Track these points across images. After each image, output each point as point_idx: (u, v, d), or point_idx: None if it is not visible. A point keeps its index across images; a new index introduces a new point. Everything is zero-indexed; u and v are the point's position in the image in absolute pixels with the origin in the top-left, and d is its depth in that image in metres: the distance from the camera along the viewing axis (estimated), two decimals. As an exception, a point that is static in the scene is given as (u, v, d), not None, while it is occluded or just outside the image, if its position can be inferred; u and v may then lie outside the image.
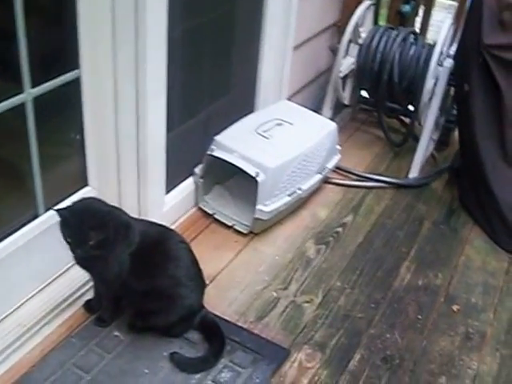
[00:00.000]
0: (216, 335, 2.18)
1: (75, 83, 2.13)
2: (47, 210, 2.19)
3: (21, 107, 1.96)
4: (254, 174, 2.54)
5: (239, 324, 2.30)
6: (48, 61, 2.10)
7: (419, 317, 2.42)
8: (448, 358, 2.27)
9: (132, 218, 2.12)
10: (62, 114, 2.23)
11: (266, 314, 2.35)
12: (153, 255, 2.09)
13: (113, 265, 2.03)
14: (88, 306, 2.27)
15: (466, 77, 2.87)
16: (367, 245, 2.76)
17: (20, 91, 1.94)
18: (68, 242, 1.94)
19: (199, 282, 2.21)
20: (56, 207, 1.96)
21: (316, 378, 2.14)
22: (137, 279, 2.07)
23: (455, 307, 2.49)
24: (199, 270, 2.21)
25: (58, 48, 2.14)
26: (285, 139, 2.74)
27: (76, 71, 2.11)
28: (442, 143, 3.40)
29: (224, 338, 2.17)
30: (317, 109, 3.30)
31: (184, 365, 2.11)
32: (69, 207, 1.97)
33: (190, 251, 2.19)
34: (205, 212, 2.79)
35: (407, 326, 2.37)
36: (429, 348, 2.30)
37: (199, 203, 2.79)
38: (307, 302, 2.43)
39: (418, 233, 2.87)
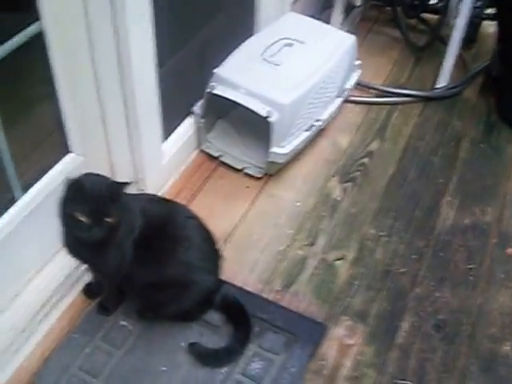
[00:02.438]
0: (240, 315, 1.87)
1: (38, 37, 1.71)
2: (24, 191, 1.82)
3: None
4: (264, 114, 2.14)
5: (264, 296, 1.98)
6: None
7: (470, 266, 2.10)
8: (510, 318, 1.96)
9: (128, 194, 1.74)
10: (27, 74, 1.82)
11: (293, 280, 2.03)
12: (158, 239, 1.73)
13: (114, 255, 1.68)
14: (88, 290, 1.96)
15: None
16: (400, 177, 2.39)
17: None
18: (76, 220, 1.55)
19: (215, 259, 1.88)
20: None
21: (360, 357, 1.85)
22: (142, 269, 1.73)
23: (510, 250, 2.16)
24: (214, 244, 1.87)
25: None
26: (297, 64, 2.31)
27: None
28: (468, 40, 2.91)
29: (249, 319, 1.86)
30: (321, 15, 2.85)
31: (207, 358, 1.82)
32: (73, 179, 1.59)
33: (201, 226, 1.84)
34: (209, 155, 2.41)
35: (458, 280, 2.05)
36: (486, 307, 1.99)
37: (202, 145, 2.41)
38: (339, 258, 2.10)
39: (455, 156, 2.49)
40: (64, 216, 1.59)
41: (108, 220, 1.56)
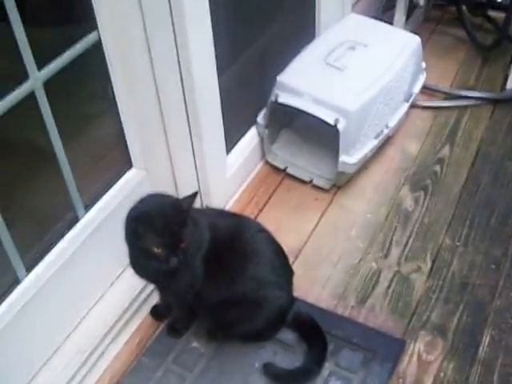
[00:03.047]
0: (315, 333, 1.80)
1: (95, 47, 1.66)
2: (87, 209, 1.78)
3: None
4: (332, 122, 2.06)
5: (339, 312, 1.91)
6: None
7: (550, 275, 1.99)
8: None
9: (194, 208, 1.68)
10: (85, 87, 1.78)
11: (368, 294, 1.95)
12: (227, 255, 1.67)
13: (185, 274, 1.62)
14: (155, 312, 1.91)
15: None
16: (472, 184, 2.28)
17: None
18: (151, 253, 1.51)
19: (287, 275, 1.81)
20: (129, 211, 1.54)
21: (441, 374, 1.76)
22: (212, 287, 1.67)
23: None
24: (285, 259, 1.81)
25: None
26: (362, 68, 2.23)
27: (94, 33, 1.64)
28: None
29: (325, 336, 1.78)
30: (383, 16, 2.76)
31: (282, 378, 1.76)
32: (137, 209, 1.55)
33: (271, 239, 1.78)
34: (275, 167, 2.34)
35: (539, 290, 1.95)
36: None
37: (267, 157, 2.34)
38: (415, 270, 2.01)
39: (530, 160, 2.38)
40: (137, 250, 1.56)
41: (183, 245, 1.51)
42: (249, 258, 1.70)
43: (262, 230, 1.78)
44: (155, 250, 1.49)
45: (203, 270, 1.64)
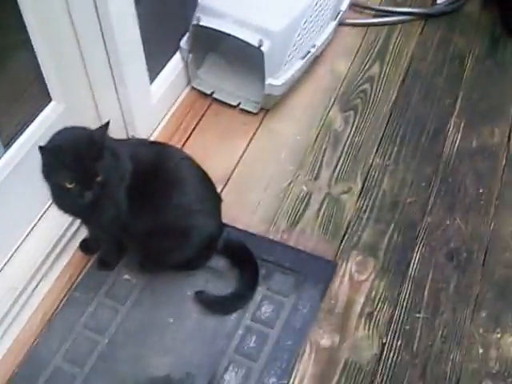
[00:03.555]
0: (246, 258, 1.80)
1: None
2: (6, 148, 1.71)
3: None
4: (256, 44, 2.00)
5: (270, 237, 1.90)
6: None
7: (480, 190, 2.00)
8: (524, 241, 1.89)
9: (115, 139, 1.63)
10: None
11: (299, 218, 1.94)
12: (151, 185, 1.63)
13: (108, 206, 1.58)
14: (85, 246, 1.88)
15: None
16: (403, 101, 2.27)
17: None
18: (65, 188, 1.45)
19: (214, 201, 1.78)
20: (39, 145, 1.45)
21: (373, 293, 1.78)
22: (138, 218, 1.63)
23: (521, 171, 2.06)
24: (212, 186, 1.77)
25: None
26: (287, -14, 2.15)
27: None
28: None
29: (256, 262, 1.78)
30: None
31: (215, 305, 1.75)
32: (50, 142, 1.48)
33: (196, 167, 1.73)
34: (201, 92, 2.28)
35: (468, 206, 1.97)
36: (499, 231, 1.91)
37: (192, 82, 2.27)
38: (345, 192, 2.01)
39: (460, 75, 2.35)
40: (50, 185, 1.50)
41: (98, 179, 1.46)
42: (173, 186, 1.66)
43: (186, 158, 1.73)
44: (67, 184, 1.44)
45: (127, 202, 1.60)
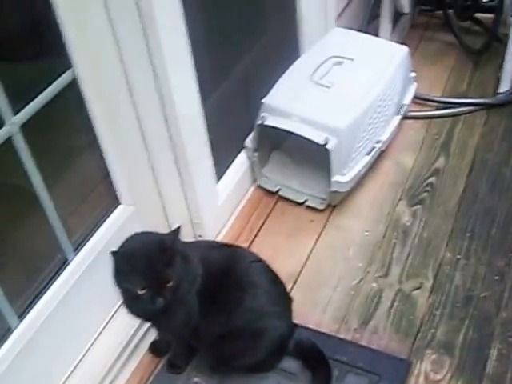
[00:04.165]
0: (318, 359, 1.75)
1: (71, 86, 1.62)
2: (76, 251, 1.74)
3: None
4: (322, 142, 2.02)
5: (341, 336, 1.86)
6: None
7: (555, 283, 1.94)
8: None
9: (184, 242, 1.64)
10: (63, 124, 1.74)
11: (370, 315, 1.90)
12: (223, 288, 1.63)
13: (180, 311, 1.58)
14: (154, 348, 1.86)
15: None
16: (471, 194, 2.24)
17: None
18: (136, 295, 1.46)
19: (285, 303, 1.77)
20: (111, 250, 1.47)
21: (450, 392, 1.72)
22: (210, 322, 1.62)
23: None
24: (283, 287, 1.77)
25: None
26: (350, 83, 2.19)
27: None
28: None
29: (328, 363, 1.73)
30: (368, 27, 2.72)
31: (288, 409, 1.70)
32: (122, 247, 1.50)
33: (267, 268, 1.73)
34: (267, 190, 2.30)
35: (544, 299, 1.90)
36: None
37: (258, 180, 2.30)
38: (417, 288, 1.97)
39: (527, 165, 2.33)
40: (121, 291, 1.52)
41: (169, 285, 1.47)
42: (245, 289, 1.66)
43: (257, 260, 1.74)
44: (139, 291, 1.45)
45: (199, 306, 1.60)
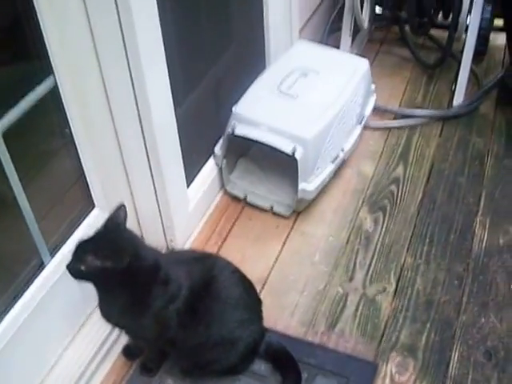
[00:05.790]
0: (287, 362, 1.80)
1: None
2: (52, 254, 1.77)
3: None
4: (290, 151, 2.08)
5: (309, 339, 1.91)
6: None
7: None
8: None
9: (168, 256, 1.68)
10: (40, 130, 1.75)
11: (337, 319, 1.97)
12: (204, 300, 1.66)
13: (151, 323, 1.61)
14: (127, 352, 1.88)
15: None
16: (429, 201, 2.33)
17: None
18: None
19: (257, 307, 1.82)
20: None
21: (414, 393, 1.79)
22: (188, 332, 1.66)
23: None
24: (255, 292, 1.82)
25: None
26: (315, 94, 2.26)
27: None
28: (478, 53, 2.83)
29: (297, 366, 1.79)
30: (328, 40, 2.80)
31: (260, 410, 1.75)
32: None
33: (243, 278, 1.78)
34: (234, 196, 2.35)
35: (501, 303, 1.99)
36: (535, 328, 1.94)
37: (226, 186, 2.34)
38: (380, 292, 2.04)
39: (481, 175, 2.43)
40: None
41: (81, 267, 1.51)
42: (225, 302, 1.69)
43: (235, 271, 1.77)
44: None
45: (179, 319, 1.62)
